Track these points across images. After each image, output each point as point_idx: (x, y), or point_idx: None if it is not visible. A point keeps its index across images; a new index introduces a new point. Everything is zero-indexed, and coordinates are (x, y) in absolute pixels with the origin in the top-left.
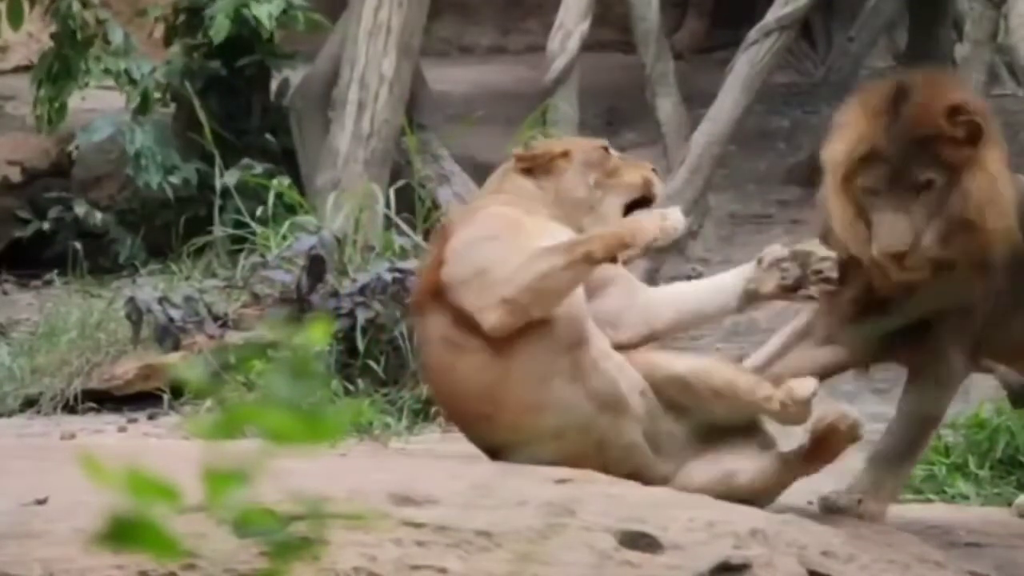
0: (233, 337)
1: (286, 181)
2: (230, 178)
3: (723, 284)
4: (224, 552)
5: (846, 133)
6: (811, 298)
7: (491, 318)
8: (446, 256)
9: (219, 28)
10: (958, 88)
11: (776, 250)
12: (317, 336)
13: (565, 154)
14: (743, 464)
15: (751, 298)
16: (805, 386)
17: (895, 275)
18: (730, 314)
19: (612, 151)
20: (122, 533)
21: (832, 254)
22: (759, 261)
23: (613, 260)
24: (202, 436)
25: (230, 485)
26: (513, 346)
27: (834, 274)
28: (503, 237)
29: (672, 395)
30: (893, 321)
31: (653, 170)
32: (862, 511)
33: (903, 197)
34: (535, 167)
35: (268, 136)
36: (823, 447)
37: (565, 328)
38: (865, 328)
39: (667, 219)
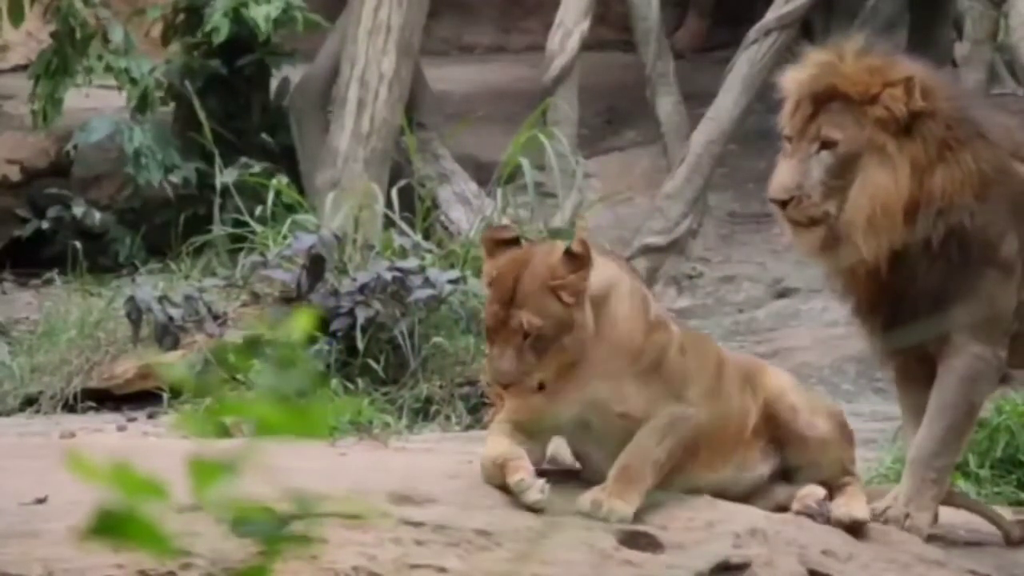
0: (233, 336)
1: (285, 180)
2: (228, 176)
3: None
4: (221, 550)
5: (800, 69)
6: None
7: None
8: None
9: (218, 28)
10: (930, 74)
11: None
12: (300, 326)
13: None
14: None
15: None
16: (863, 512)
17: (780, 222)
18: None
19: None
20: (109, 528)
21: None
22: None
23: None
24: (186, 430)
25: (215, 477)
26: None
27: None
28: None
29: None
30: (909, 325)
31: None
32: (909, 526)
33: (803, 148)
34: None
35: (267, 135)
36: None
37: None
38: (889, 337)
39: None
